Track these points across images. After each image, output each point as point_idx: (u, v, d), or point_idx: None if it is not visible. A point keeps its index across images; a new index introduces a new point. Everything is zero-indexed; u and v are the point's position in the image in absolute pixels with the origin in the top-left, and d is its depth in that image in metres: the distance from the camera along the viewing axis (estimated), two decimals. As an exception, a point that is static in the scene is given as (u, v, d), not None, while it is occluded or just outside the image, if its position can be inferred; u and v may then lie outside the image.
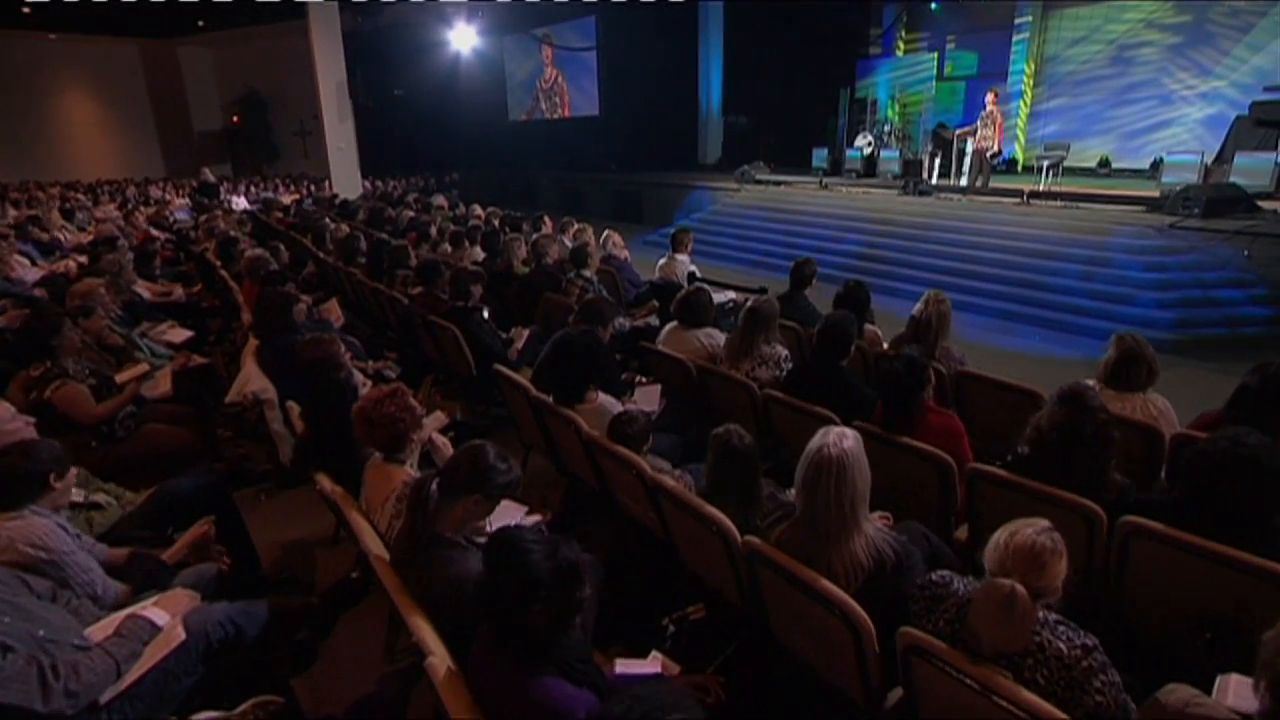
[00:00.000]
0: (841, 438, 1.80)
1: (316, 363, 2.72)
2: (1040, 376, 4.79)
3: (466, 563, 1.66)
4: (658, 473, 2.57)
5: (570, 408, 2.87)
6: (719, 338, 3.59)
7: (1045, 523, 1.51)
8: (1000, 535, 1.50)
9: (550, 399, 2.97)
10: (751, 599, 2.07)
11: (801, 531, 1.83)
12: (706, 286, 4.04)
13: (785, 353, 3.29)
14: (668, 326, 3.80)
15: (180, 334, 4.90)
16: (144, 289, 5.88)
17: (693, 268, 5.46)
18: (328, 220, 8.33)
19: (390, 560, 1.75)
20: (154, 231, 10.76)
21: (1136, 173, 12.36)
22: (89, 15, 18.09)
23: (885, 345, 3.79)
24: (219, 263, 6.66)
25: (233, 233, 7.34)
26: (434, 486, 1.68)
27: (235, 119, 24.94)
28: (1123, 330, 6.35)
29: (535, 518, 2.47)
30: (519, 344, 4.44)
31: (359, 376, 2.61)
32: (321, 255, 7.30)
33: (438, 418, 3.15)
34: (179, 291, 6.22)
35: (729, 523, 2.01)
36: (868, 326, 3.87)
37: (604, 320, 3.41)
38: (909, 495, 2.62)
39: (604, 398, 2.90)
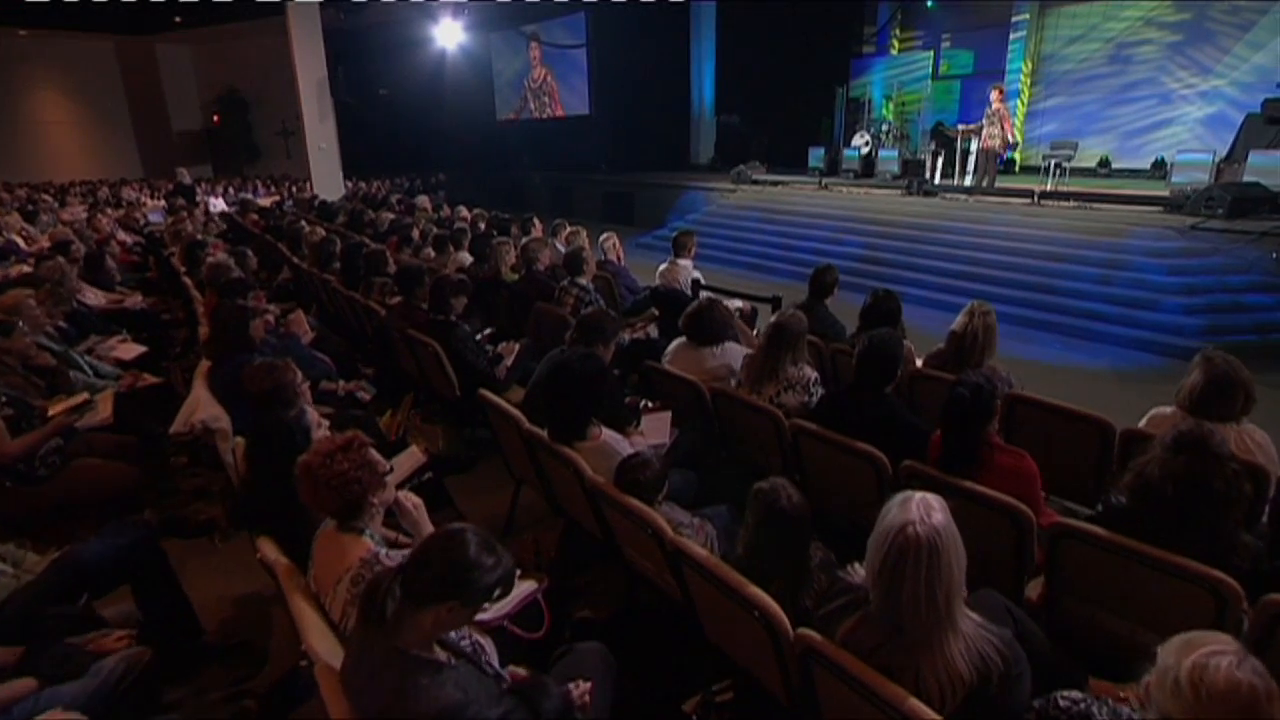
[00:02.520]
0: (928, 510, 1.38)
1: (265, 395, 2.28)
2: (1066, 389, 4.42)
3: (443, 689, 1.23)
4: (677, 529, 2.15)
5: (569, 445, 2.44)
6: (736, 355, 3.17)
7: (1230, 642, 1.10)
8: (1174, 663, 1.09)
9: (545, 433, 2.53)
10: (804, 701, 1.64)
11: (878, 630, 1.41)
12: (718, 298, 3.62)
13: (815, 375, 2.87)
14: (675, 343, 3.37)
15: (131, 349, 4.41)
16: (96, 297, 5.38)
17: (696, 274, 5.03)
18: (303, 223, 7.83)
19: (341, 677, 1.32)
20: (122, 235, 10.22)
21: (1136, 172, 12.20)
22: (62, 11, 17.44)
23: (920, 363, 3.38)
24: (184, 268, 6.17)
25: (200, 236, 6.83)
26: (395, 588, 1.25)
27: (215, 118, 24.32)
28: (1149, 337, 6.11)
29: (529, 585, 2.03)
30: (508, 360, 3.99)
31: (313, 414, 2.16)
32: (296, 261, 6.81)
33: (412, 456, 2.71)
34: (134, 300, 5.71)
35: (776, 610, 1.59)
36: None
37: (606, 338, 2.98)
38: (972, 550, 2.21)
39: (608, 434, 2.47)
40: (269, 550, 1.88)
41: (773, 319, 2.84)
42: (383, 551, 1.66)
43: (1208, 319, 6.11)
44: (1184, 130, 12.31)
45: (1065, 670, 1.82)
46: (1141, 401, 5.09)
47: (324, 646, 1.54)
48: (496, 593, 1.32)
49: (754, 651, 1.77)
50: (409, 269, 4.27)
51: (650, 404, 3.40)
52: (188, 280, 5.75)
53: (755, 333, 4.52)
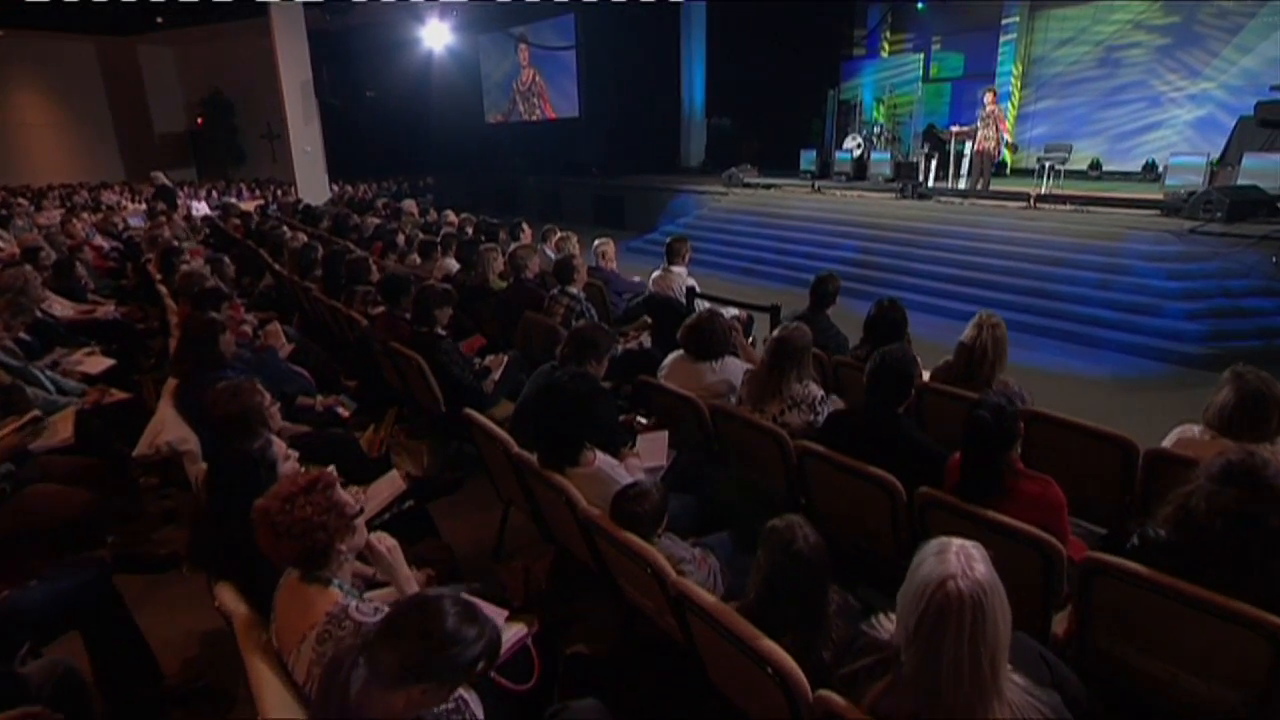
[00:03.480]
0: (969, 562, 1.22)
1: (229, 421, 2.09)
2: (1069, 398, 4.29)
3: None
4: (679, 565, 1.98)
5: (560, 472, 2.26)
6: (736, 371, 3.00)
7: None
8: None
9: (535, 458, 2.35)
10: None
11: (913, 697, 1.25)
12: (717, 309, 3.45)
13: (821, 393, 2.71)
14: (672, 356, 3.20)
15: (99, 363, 4.19)
16: (64, 308, 5.15)
17: (691, 282, 4.86)
18: (285, 228, 7.61)
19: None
20: (99, 240, 9.94)
21: (1127, 175, 12.20)
22: (40, 10, 17.09)
23: (926, 376, 3.23)
24: (159, 276, 5.94)
25: (177, 242, 6.59)
26: (360, 667, 1.07)
27: (199, 121, 23.94)
28: (1151, 343, 6.00)
29: (517, 630, 1.86)
30: (495, 374, 3.81)
31: (279, 446, 1.96)
32: (277, 268, 6.60)
33: (391, 482, 2.52)
34: (106, 310, 5.47)
35: (794, 668, 1.42)
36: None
37: (599, 353, 2.81)
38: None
39: (602, 459, 2.29)
40: (228, 598, 1.69)
41: (775, 333, 2.67)
42: (353, 604, 1.48)
43: (1209, 324, 6.02)
44: (1173, 133, 12.35)
45: (1103, 721, 1.67)
46: (1147, 410, 5.04)
47: (284, 715, 1.35)
48: (480, 665, 1.15)
49: (766, 708, 1.60)
50: (393, 278, 4.08)
51: (645, 421, 3.24)
52: (163, 288, 5.53)
53: (750, 340, 4.38)
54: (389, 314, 4.01)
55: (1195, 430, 2.46)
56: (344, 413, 3.68)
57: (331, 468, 1.71)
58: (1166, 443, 2.56)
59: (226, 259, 5.58)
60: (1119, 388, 5.44)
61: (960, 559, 1.23)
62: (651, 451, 2.69)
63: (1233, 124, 11.00)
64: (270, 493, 1.46)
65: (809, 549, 1.59)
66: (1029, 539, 1.93)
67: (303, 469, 1.90)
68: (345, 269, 4.91)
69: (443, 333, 3.81)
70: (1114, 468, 2.58)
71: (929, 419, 3.00)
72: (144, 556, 2.83)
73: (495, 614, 1.90)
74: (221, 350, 3.10)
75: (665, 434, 2.76)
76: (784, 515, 1.68)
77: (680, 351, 3.14)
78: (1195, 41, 12.02)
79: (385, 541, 1.63)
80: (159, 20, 20.88)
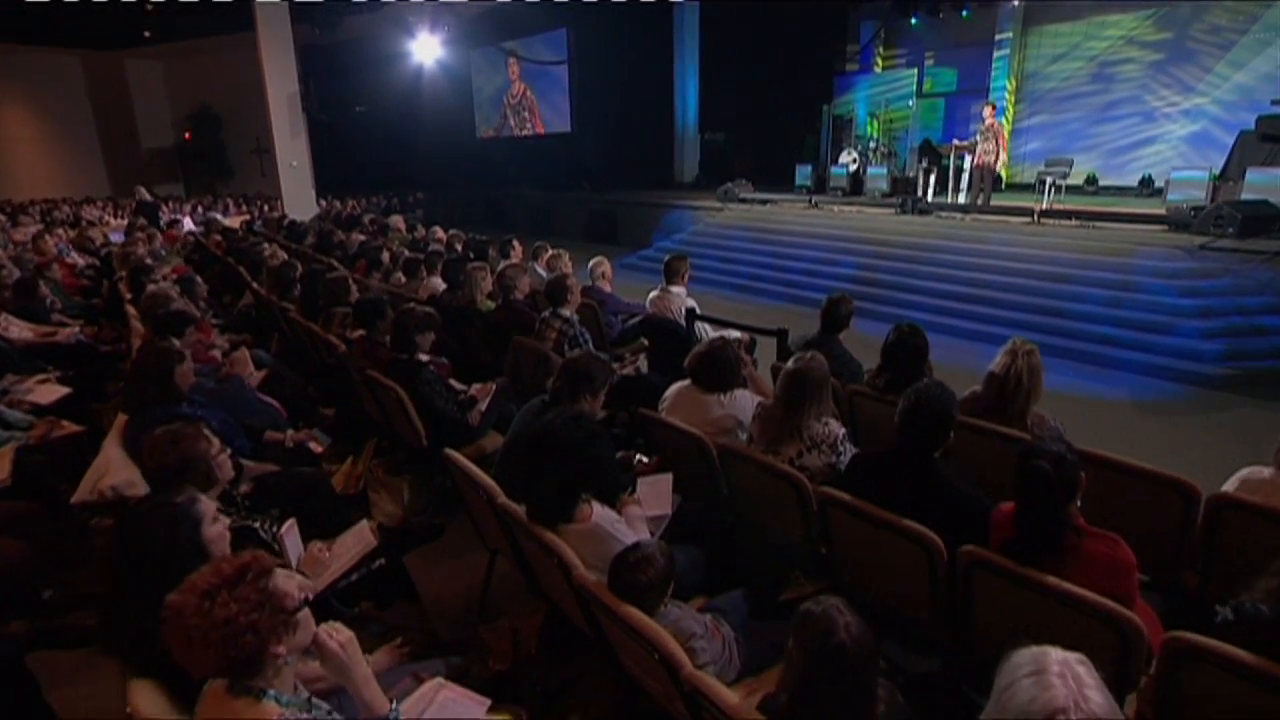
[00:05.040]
0: (1080, 688, 0.95)
1: (165, 473, 1.79)
2: (1088, 423, 4.05)
3: None
4: (689, 642, 1.69)
5: (552, 528, 1.97)
6: (746, 406, 2.72)
7: None
8: None
9: (523, 510, 2.06)
10: None
11: None
12: (728, 335, 3.18)
13: (843, 431, 2.43)
14: (676, 386, 2.92)
15: (52, 392, 3.86)
16: (21, 330, 4.82)
17: (691, 303, 4.59)
18: (265, 245, 7.31)
19: None
20: (74, 256, 9.62)
21: (1123, 190, 12.13)
22: (26, 24, 16.83)
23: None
24: (129, 295, 5.63)
25: (149, 260, 6.28)
26: None
27: (187, 135, 23.69)
28: (1167, 364, 5.77)
29: (501, 725, 1.56)
30: (482, 404, 3.52)
31: (207, 505, 1.59)
32: (255, 286, 6.29)
33: (360, 537, 2.22)
34: (68, 332, 5.15)
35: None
36: (927, 383, 3.03)
37: (595, 387, 2.53)
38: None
39: (599, 513, 2.00)
40: (143, 701, 1.38)
41: (791, 364, 2.39)
42: (293, 723, 1.19)
43: (1226, 344, 5.80)
44: (1168, 148, 12.38)
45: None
46: (1171, 435, 4.80)
47: None
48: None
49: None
50: (368, 301, 3.79)
51: (645, 459, 2.95)
52: (131, 309, 5.22)
53: (754, 360, 4.10)
54: (367, 338, 3.72)
55: (1266, 473, 2.20)
56: (316, 448, 3.38)
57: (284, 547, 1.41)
58: (1230, 486, 2.30)
59: (199, 278, 5.27)
60: (1138, 411, 5.19)
61: (1069, 685, 0.95)
62: (654, 498, 2.40)
63: (1226, 139, 11.02)
64: (185, 584, 1.16)
65: (853, 642, 1.31)
66: (1100, 612, 1.65)
67: (228, 525, 1.58)
68: (323, 289, 4.61)
69: (425, 359, 3.52)
70: (1173, 514, 2.31)
71: (958, 458, 2.73)
72: (67, 630, 2.48)
73: (476, 705, 1.61)
74: (177, 383, 2.80)
75: (669, 478, 2.47)
76: (819, 597, 1.39)
77: (686, 381, 2.86)
78: (1188, 57, 12.08)
79: (338, 635, 1.33)
80: (146, 34, 20.66)
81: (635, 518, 2.27)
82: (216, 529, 1.53)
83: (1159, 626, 1.88)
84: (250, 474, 2.93)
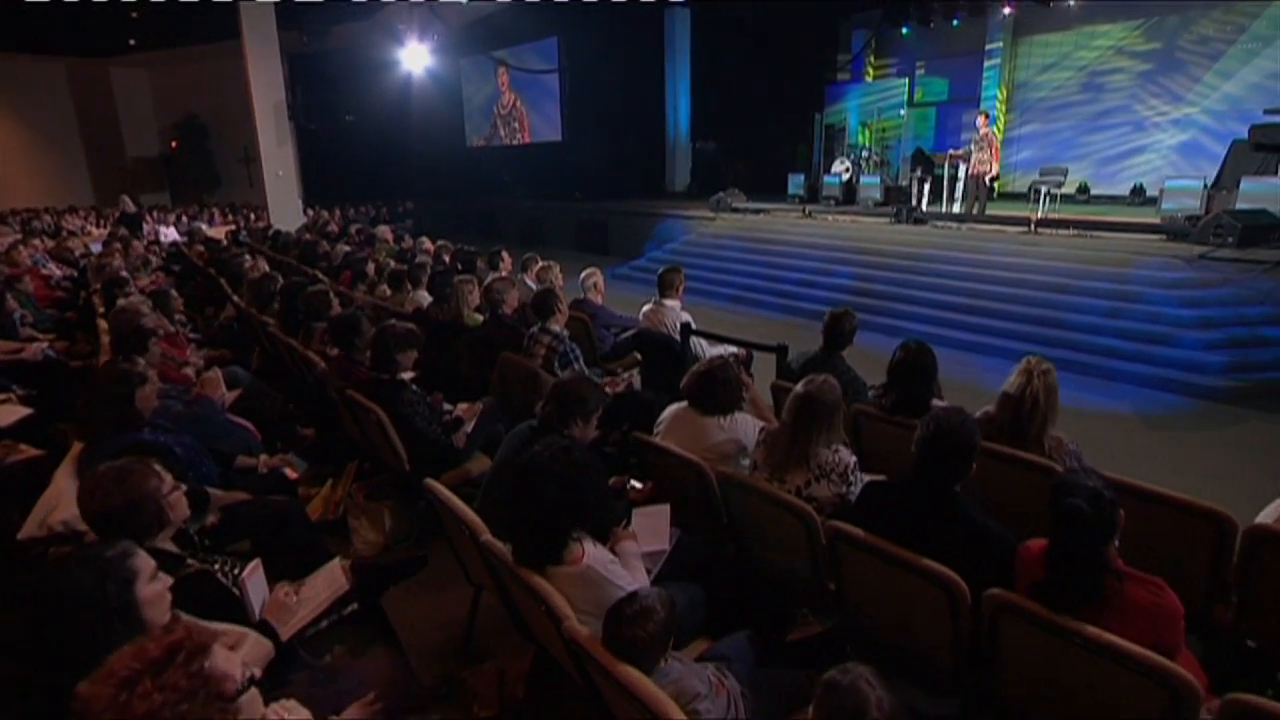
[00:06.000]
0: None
1: (109, 518, 1.61)
2: (1092, 437, 3.93)
3: None
4: (692, 702, 1.52)
5: (540, 571, 1.80)
6: (748, 429, 2.56)
7: None
8: None
9: (509, 550, 1.88)
10: None
11: None
12: (728, 356, 3.01)
13: (853, 459, 2.27)
14: (672, 409, 2.76)
15: (10, 413, 3.66)
16: (-14, 348, 4.61)
17: (686, 317, 4.42)
18: (247, 256, 7.11)
19: None
20: (51, 267, 9.37)
21: (1115, 199, 12.16)
22: (7, 31, 16.56)
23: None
24: (101, 309, 5.42)
25: (124, 272, 6.07)
26: None
27: (173, 144, 23.42)
28: (1170, 376, 5.65)
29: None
30: (468, 426, 3.34)
31: (142, 561, 1.36)
32: (236, 299, 6.09)
33: (331, 578, 2.03)
34: (35, 348, 4.93)
35: None
36: (936, 403, 2.88)
37: (586, 411, 2.36)
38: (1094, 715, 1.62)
39: (592, 553, 1.83)
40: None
41: (800, 388, 2.23)
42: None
43: (1230, 355, 5.70)
44: (1158, 157, 12.47)
45: None
46: (1180, 451, 4.67)
47: None
48: None
49: None
50: (344, 318, 3.60)
51: (639, 485, 2.78)
52: (103, 323, 5.01)
53: (751, 375, 3.94)
54: (345, 357, 3.53)
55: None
56: (291, 474, 3.19)
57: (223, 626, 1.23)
58: (1267, 517, 2.15)
59: (174, 292, 5.07)
60: (1144, 426, 5.07)
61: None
62: (651, 531, 2.23)
63: (1215, 148, 11.08)
64: (101, 670, 0.98)
65: (885, 718, 1.14)
66: (1149, 668, 1.49)
67: (169, 584, 1.38)
68: (303, 302, 4.42)
69: (406, 379, 3.34)
70: (1206, 547, 2.16)
71: (971, 484, 2.58)
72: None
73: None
74: (138, 407, 2.60)
75: (666, 509, 2.30)
76: (845, 666, 1.22)
77: (683, 403, 2.70)
78: (1177, 67, 12.18)
79: (293, 715, 1.15)
80: (132, 42, 20.44)
81: (630, 554, 2.10)
82: (154, 588, 1.34)
83: (1202, 675, 1.73)
84: (218, 504, 2.74)
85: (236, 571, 1.93)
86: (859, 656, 2.10)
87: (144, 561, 1.36)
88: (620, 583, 1.85)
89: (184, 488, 1.84)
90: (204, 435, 3.08)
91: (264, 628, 1.82)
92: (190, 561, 1.81)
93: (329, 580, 2.02)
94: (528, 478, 1.77)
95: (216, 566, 1.94)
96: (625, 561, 2.04)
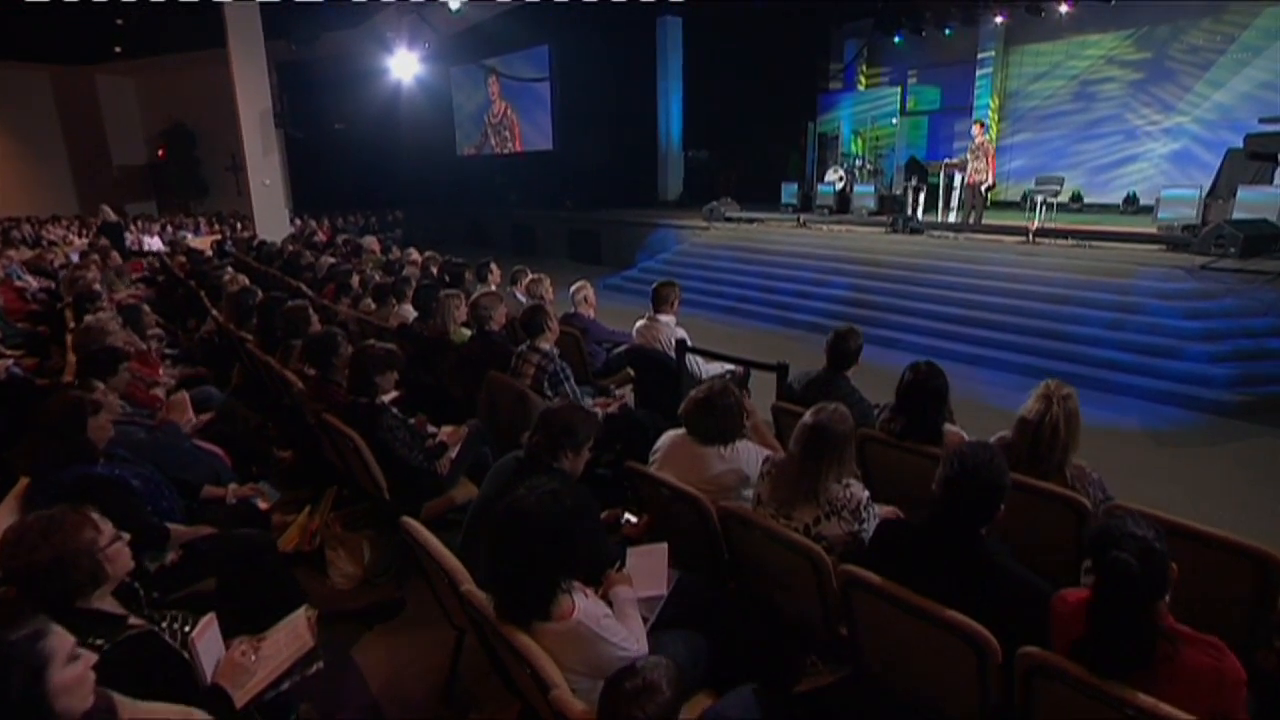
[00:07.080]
0: None
1: (33, 577, 1.41)
2: (1100, 454, 3.79)
3: None
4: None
5: (525, 627, 1.61)
6: (751, 459, 2.38)
7: None
8: None
9: (491, 604, 1.69)
10: None
11: None
12: (733, 376, 2.84)
13: (866, 495, 2.09)
14: (669, 436, 2.58)
15: (-35, 440, 3.43)
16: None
17: (681, 333, 4.24)
18: (229, 268, 6.90)
19: None
20: (27, 279, 9.11)
21: (1108, 208, 12.15)
22: (-8, 39, 16.33)
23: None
24: (72, 324, 5.19)
25: (97, 286, 5.84)
26: None
27: (160, 153, 23.15)
28: (1176, 389, 5.51)
29: None
30: (452, 452, 3.15)
31: (60, 642, 1.17)
32: (215, 313, 5.87)
33: (295, 634, 1.83)
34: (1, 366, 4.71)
35: None
36: (948, 428, 2.72)
37: (577, 442, 2.18)
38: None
39: (583, 608, 1.64)
40: None
41: (809, 418, 2.06)
42: None
43: (1236, 368, 5.58)
44: (1150, 166, 12.52)
45: None
46: (1193, 469, 4.52)
47: None
48: None
49: None
50: (320, 338, 3.40)
51: (633, 519, 2.59)
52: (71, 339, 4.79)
53: (748, 391, 3.76)
54: (322, 378, 3.34)
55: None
56: (263, 505, 2.98)
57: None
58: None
59: (146, 307, 4.85)
60: (1153, 442, 4.93)
61: None
62: (647, 573, 2.04)
63: (1207, 156, 11.08)
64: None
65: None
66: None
67: (97, 664, 1.19)
68: (280, 318, 4.22)
69: (387, 400, 3.15)
70: (1245, 585, 2.00)
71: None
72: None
73: None
74: (90, 438, 2.40)
75: (664, 549, 2.12)
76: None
77: (680, 430, 2.52)
78: (1168, 77, 12.24)
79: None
80: (117, 50, 20.20)
81: (626, 601, 1.92)
82: (71, 671, 1.14)
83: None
84: (179, 540, 2.54)
85: (187, 629, 1.73)
86: (874, 711, 1.92)
87: (59, 642, 1.17)
88: (614, 639, 1.67)
89: (127, 537, 1.64)
90: (167, 464, 2.88)
91: (216, 694, 1.62)
92: (133, 621, 1.61)
93: (292, 635, 1.82)
94: (512, 526, 1.59)
95: (164, 624, 1.74)
96: (620, 610, 1.86)
